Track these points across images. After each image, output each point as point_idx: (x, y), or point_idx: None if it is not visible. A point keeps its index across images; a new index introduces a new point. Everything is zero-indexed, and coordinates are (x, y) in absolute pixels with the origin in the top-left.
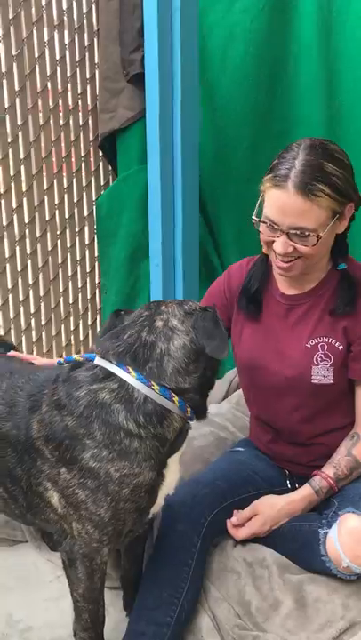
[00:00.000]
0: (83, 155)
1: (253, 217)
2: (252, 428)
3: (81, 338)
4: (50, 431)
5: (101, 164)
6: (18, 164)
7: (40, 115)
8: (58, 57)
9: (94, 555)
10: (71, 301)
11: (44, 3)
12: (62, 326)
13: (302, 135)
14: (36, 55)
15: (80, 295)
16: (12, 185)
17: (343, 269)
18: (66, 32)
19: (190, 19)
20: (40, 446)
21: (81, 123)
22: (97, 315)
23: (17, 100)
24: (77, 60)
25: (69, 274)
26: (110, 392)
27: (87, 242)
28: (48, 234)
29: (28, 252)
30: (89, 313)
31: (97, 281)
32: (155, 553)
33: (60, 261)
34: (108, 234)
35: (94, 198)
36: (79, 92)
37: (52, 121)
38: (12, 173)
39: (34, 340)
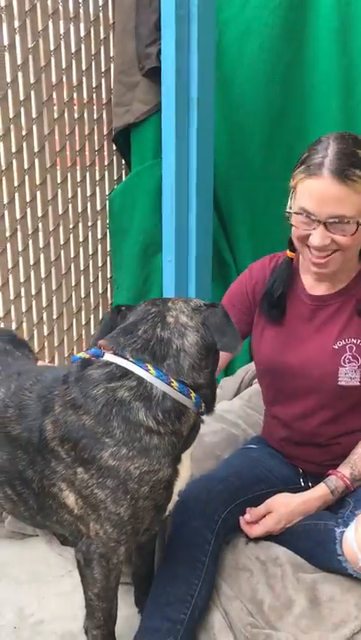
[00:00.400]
0: (96, 149)
1: (287, 209)
2: (266, 426)
3: (92, 332)
4: (65, 431)
5: (115, 158)
6: (32, 158)
7: (55, 108)
8: (73, 50)
9: (111, 555)
10: (83, 296)
11: None
12: (74, 320)
13: (318, 132)
14: (52, 48)
15: (92, 290)
16: (26, 178)
17: None
18: (81, 25)
19: (208, 12)
20: (55, 447)
21: (95, 116)
22: (108, 309)
23: (32, 93)
24: (93, 53)
25: (81, 268)
26: (129, 390)
27: (100, 236)
28: (61, 228)
29: (41, 245)
30: (100, 307)
31: (109, 276)
32: (168, 549)
33: (72, 255)
34: (121, 228)
35: (107, 193)
36: (94, 85)
37: (66, 114)
38: (26, 167)
39: (45, 333)
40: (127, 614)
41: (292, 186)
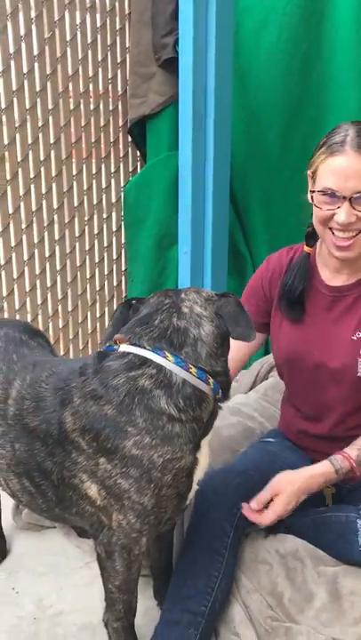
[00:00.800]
0: (112, 140)
1: (310, 189)
2: (284, 418)
3: (106, 325)
4: (87, 422)
5: (130, 149)
6: (48, 149)
7: (70, 99)
8: (89, 40)
9: (133, 545)
10: (97, 288)
11: None
12: (88, 313)
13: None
14: (68, 38)
15: (106, 282)
16: (42, 170)
17: None
18: (97, 15)
19: (226, 2)
20: (76, 438)
21: (111, 108)
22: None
23: (48, 84)
24: (108, 44)
25: (96, 261)
26: (149, 378)
27: (115, 229)
28: (76, 220)
29: (56, 237)
30: (115, 300)
31: (123, 268)
32: (187, 542)
33: (87, 248)
34: (136, 221)
35: (122, 185)
36: (110, 76)
37: (82, 106)
38: (41, 158)
39: (60, 326)
40: (146, 607)
41: (313, 171)
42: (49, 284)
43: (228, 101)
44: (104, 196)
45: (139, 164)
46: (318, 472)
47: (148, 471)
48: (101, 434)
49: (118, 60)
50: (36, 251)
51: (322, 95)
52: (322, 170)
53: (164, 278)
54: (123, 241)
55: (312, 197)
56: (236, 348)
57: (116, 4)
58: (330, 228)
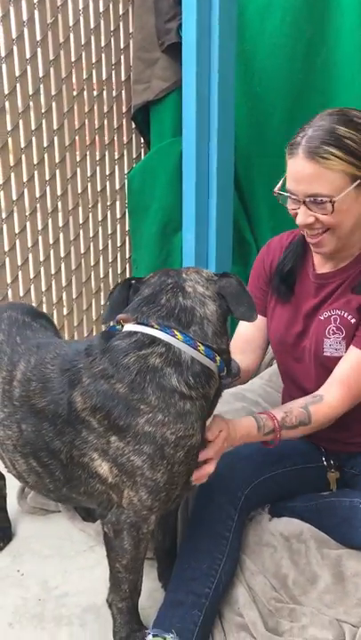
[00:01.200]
0: (115, 127)
1: (275, 190)
2: (283, 402)
3: None
4: (97, 401)
5: (134, 136)
6: (51, 135)
7: (74, 85)
8: (92, 26)
9: (142, 523)
10: (102, 275)
11: None
12: (93, 300)
13: None
14: (71, 24)
15: (110, 270)
16: (45, 156)
17: None
18: (100, 1)
19: None
20: (87, 417)
21: (114, 94)
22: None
23: (51, 70)
24: (112, 29)
25: (100, 248)
26: (159, 356)
27: (118, 216)
28: (80, 207)
29: (60, 224)
30: None
31: (128, 255)
32: (191, 525)
33: (91, 235)
34: (140, 208)
35: (126, 171)
36: (113, 62)
37: (85, 92)
38: (45, 145)
39: (65, 313)
40: (150, 588)
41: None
42: (53, 272)
43: (231, 87)
44: (108, 183)
45: (143, 150)
46: (241, 424)
47: (162, 447)
48: (113, 412)
49: (122, 46)
50: (40, 238)
51: (327, 80)
52: (287, 169)
53: (168, 265)
54: (127, 228)
55: (283, 197)
56: (251, 336)
57: None
58: None
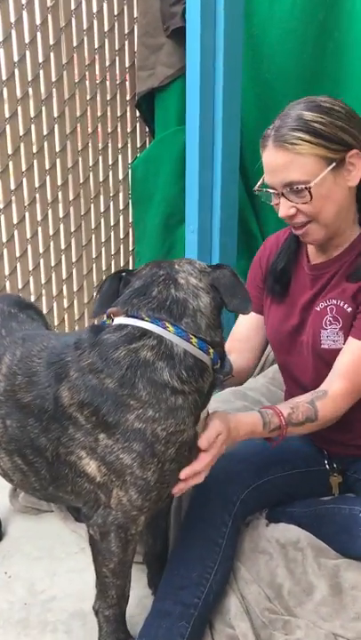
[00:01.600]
0: (119, 115)
1: (255, 188)
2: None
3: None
4: (85, 396)
5: (138, 124)
6: (51, 123)
7: (75, 71)
8: (95, 10)
9: (130, 525)
10: (104, 268)
11: None
12: (94, 294)
13: (353, 97)
14: (72, 7)
15: (113, 262)
16: (45, 145)
17: None
18: None
19: None
20: (73, 413)
21: (118, 81)
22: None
23: (52, 55)
24: (115, 13)
25: (102, 240)
26: (150, 349)
27: (121, 207)
28: (81, 197)
29: (61, 215)
30: None
31: (131, 248)
32: (183, 532)
33: (93, 226)
34: (144, 198)
35: (130, 161)
36: (116, 47)
37: (87, 78)
38: (45, 133)
39: (65, 306)
40: (140, 595)
41: None
42: (53, 264)
43: (238, 73)
44: (110, 173)
45: (147, 139)
46: (245, 419)
47: (152, 445)
48: (102, 408)
49: (126, 31)
50: (40, 229)
51: (338, 67)
52: (263, 164)
53: (171, 258)
54: (130, 220)
55: (256, 191)
56: (247, 335)
57: None
58: None
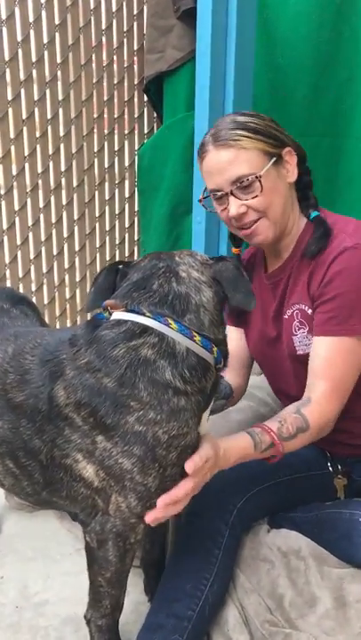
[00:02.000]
0: (126, 99)
1: (199, 201)
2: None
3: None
4: (82, 396)
5: (145, 109)
6: (56, 107)
7: (82, 54)
8: None
9: (129, 533)
10: (108, 258)
11: None
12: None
13: None
14: None
15: (117, 252)
16: (49, 129)
17: (316, 217)
18: None
19: None
20: (70, 414)
21: (125, 64)
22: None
23: (57, 36)
24: None
25: (107, 228)
26: (152, 347)
27: (127, 195)
28: (85, 184)
29: (64, 202)
30: None
31: (136, 237)
32: (178, 542)
33: (97, 215)
34: (150, 187)
35: (136, 147)
36: (125, 29)
37: (94, 61)
38: (49, 116)
39: (67, 297)
40: (136, 601)
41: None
42: (55, 252)
43: (250, 58)
44: (116, 159)
45: (155, 124)
46: (236, 445)
47: (153, 449)
48: (100, 409)
49: (134, 12)
50: (42, 216)
51: (354, 52)
52: (203, 176)
53: (178, 249)
54: (136, 208)
55: (206, 203)
56: (236, 351)
57: None
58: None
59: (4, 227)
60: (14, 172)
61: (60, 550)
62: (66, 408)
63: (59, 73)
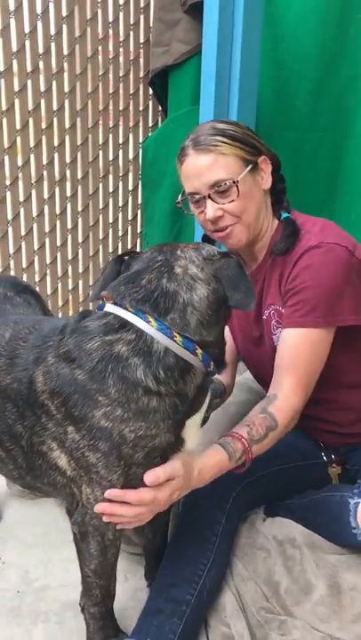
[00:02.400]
0: (131, 92)
1: (177, 202)
2: None
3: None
4: (56, 384)
5: (151, 102)
6: (62, 98)
7: (88, 46)
8: None
9: (105, 529)
10: (111, 250)
11: None
12: (100, 275)
13: None
14: None
15: (120, 244)
16: (55, 121)
17: (286, 217)
18: None
19: None
20: (45, 401)
21: (131, 57)
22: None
23: (64, 28)
24: None
25: (110, 221)
26: (127, 344)
27: (131, 187)
28: (90, 176)
29: (68, 194)
30: None
31: (139, 230)
32: (177, 529)
33: (100, 207)
34: (154, 180)
35: (141, 140)
36: (131, 22)
37: (100, 53)
38: (54, 108)
39: (70, 288)
40: (135, 587)
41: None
42: (59, 244)
43: (256, 52)
44: (121, 152)
45: (160, 118)
46: (210, 463)
47: (118, 446)
48: (70, 399)
49: (141, 5)
50: (46, 207)
51: (359, 49)
52: (182, 179)
53: (180, 242)
54: (139, 201)
55: (184, 206)
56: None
57: None
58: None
59: (9, 217)
60: (20, 164)
61: (60, 537)
62: (42, 395)
63: (65, 65)
